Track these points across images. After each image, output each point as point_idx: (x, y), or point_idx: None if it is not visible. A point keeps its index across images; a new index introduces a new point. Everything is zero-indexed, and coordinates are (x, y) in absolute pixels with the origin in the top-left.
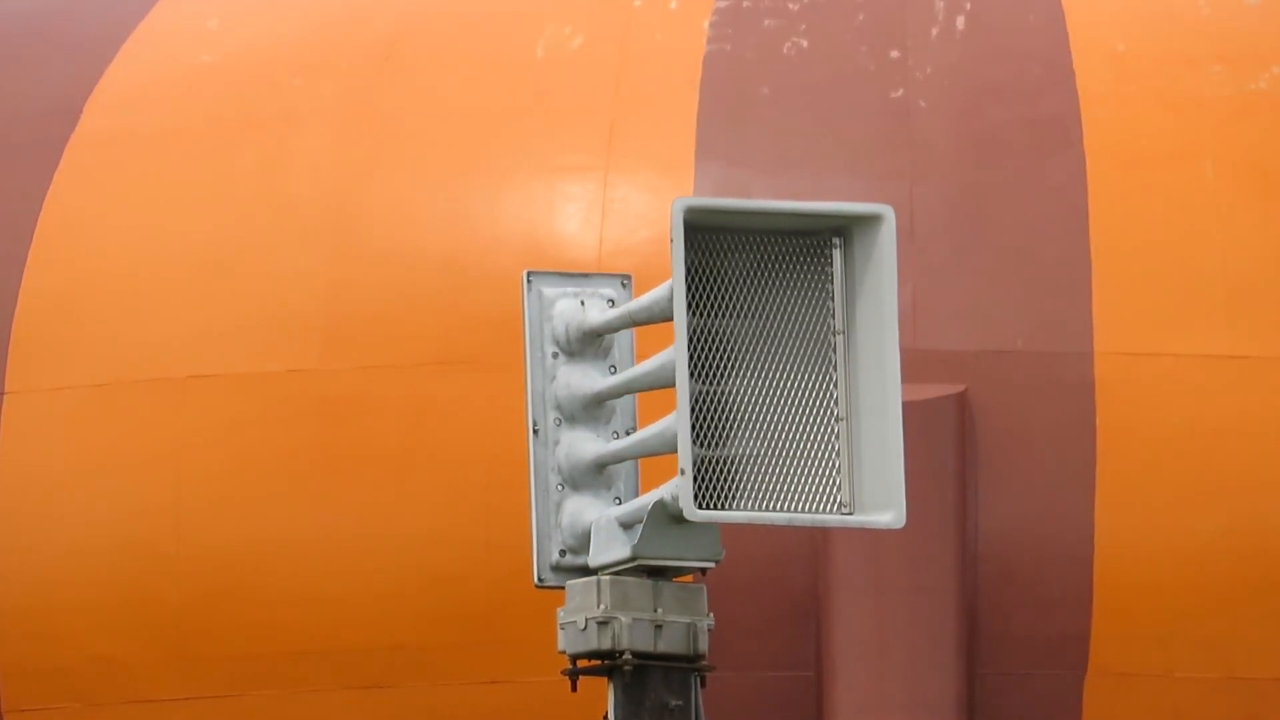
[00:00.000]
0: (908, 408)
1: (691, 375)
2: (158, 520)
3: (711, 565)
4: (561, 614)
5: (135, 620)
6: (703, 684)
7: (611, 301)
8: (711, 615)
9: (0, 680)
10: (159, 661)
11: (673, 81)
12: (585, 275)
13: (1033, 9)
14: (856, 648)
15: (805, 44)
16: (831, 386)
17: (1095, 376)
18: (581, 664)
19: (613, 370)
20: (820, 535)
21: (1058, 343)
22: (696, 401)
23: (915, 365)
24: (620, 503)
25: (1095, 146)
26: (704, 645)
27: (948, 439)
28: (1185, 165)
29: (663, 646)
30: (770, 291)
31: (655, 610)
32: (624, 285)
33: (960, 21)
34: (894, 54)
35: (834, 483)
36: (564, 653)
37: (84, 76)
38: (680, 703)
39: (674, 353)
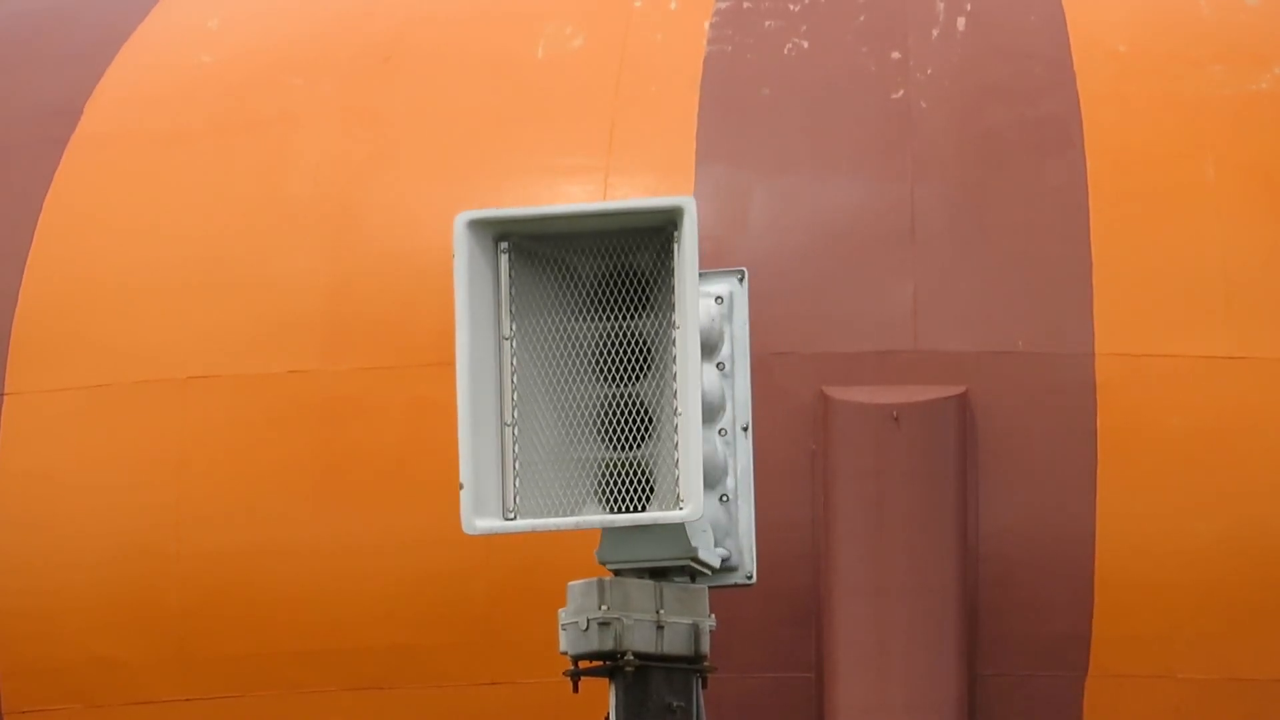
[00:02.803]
0: (910, 408)
1: (607, 378)
2: (158, 521)
3: (687, 562)
4: (563, 615)
5: (136, 621)
6: (704, 685)
7: (720, 299)
8: (713, 616)
9: (0, 680)
10: (160, 662)
11: (673, 82)
12: (703, 274)
13: (1033, 9)
14: (857, 649)
15: (806, 45)
16: (673, 381)
17: (1096, 377)
18: (583, 665)
19: (720, 368)
20: (822, 536)
21: (1058, 344)
22: (610, 405)
23: (916, 366)
24: (726, 500)
25: (1095, 147)
26: (706, 646)
27: (948, 440)
28: (1186, 166)
29: (665, 647)
30: (658, 289)
31: (657, 611)
32: (740, 280)
33: (961, 22)
34: (895, 55)
35: (674, 478)
36: (566, 654)
37: (84, 77)
38: (682, 704)
39: (459, 366)
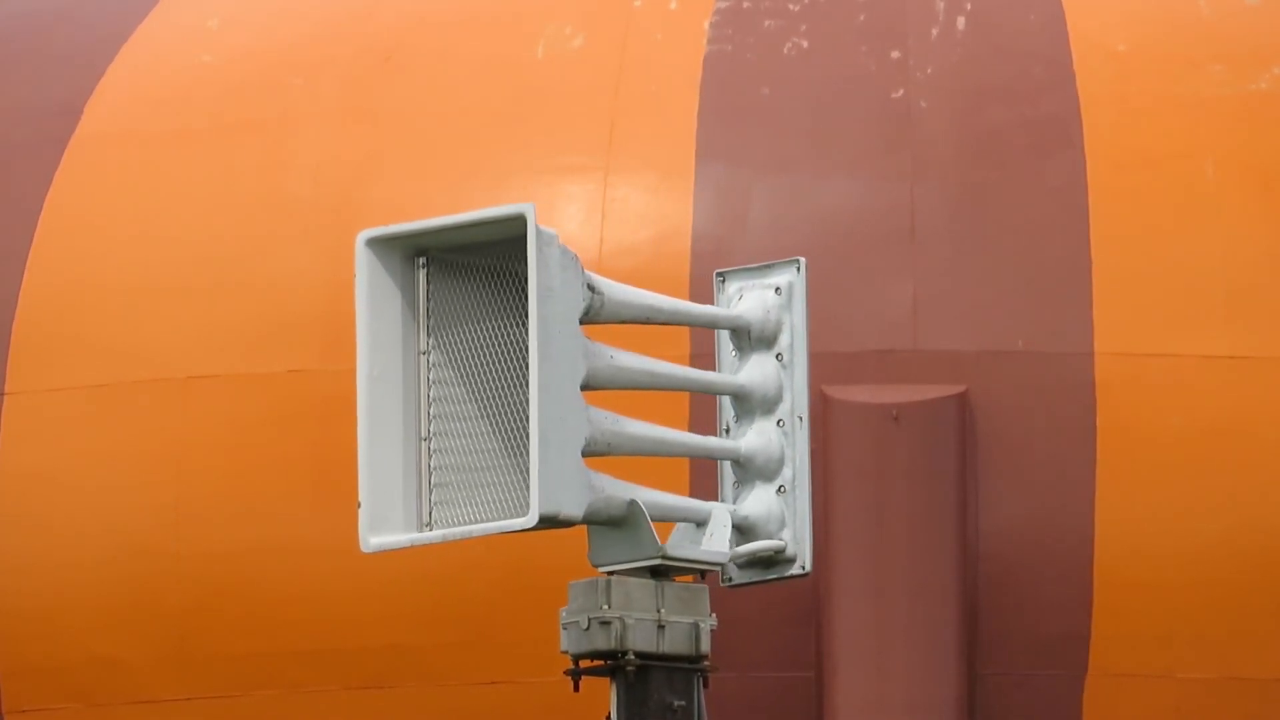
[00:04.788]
0: (910, 408)
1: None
2: (158, 520)
3: (657, 562)
4: (564, 614)
5: (136, 620)
6: (705, 684)
7: (778, 289)
8: (714, 615)
9: (0, 680)
10: (160, 662)
11: (673, 81)
12: (767, 265)
13: (1033, 9)
14: (857, 648)
15: (806, 44)
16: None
17: (1095, 377)
18: (584, 664)
19: (779, 358)
20: (821, 536)
21: (1058, 343)
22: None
23: (916, 366)
24: (784, 491)
25: (1095, 146)
26: (707, 645)
27: (948, 439)
28: (1185, 165)
29: (666, 647)
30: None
31: (658, 610)
32: (798, 270)
33: (961, 22)
34: (894, 54)
35: (526, 484)
36: (566, 653)
37: (84, 77)
38: (683, 703)
39: (359, 385)
